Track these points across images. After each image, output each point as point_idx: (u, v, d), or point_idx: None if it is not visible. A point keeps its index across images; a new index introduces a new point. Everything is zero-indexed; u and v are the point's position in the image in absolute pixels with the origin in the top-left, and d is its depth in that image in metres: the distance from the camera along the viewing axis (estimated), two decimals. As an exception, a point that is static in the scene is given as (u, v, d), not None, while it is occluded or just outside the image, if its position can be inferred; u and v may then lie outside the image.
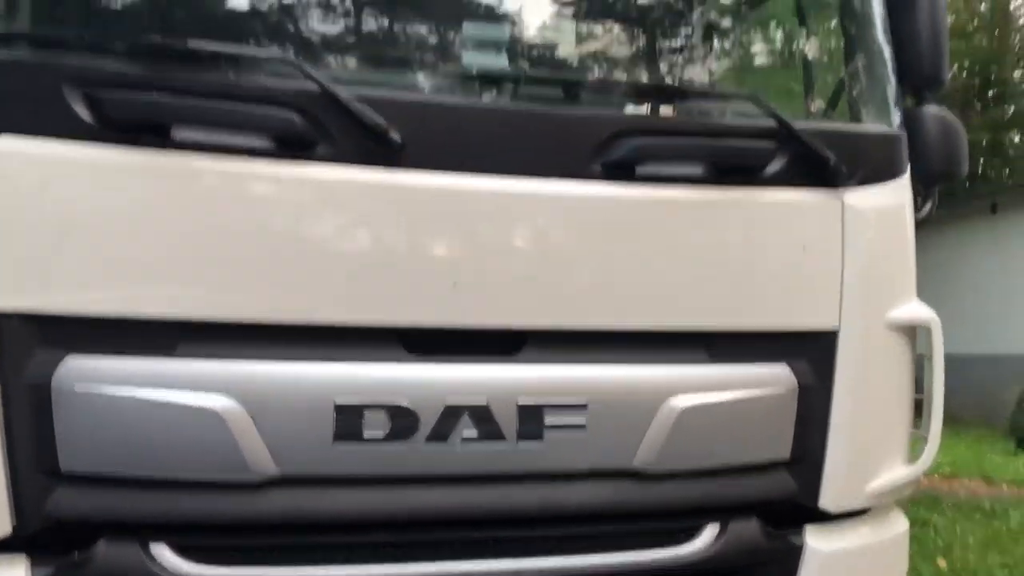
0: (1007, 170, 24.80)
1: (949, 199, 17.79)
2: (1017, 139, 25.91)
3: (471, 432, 1.92)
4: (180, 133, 1.80)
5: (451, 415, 1.90)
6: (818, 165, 2.19)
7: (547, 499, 2.01)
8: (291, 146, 1.86)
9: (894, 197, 2.37)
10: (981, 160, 24.38)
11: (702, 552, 2.14)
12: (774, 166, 2.18)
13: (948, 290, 16.38)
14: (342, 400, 1.85)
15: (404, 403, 1.88)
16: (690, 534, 2.16)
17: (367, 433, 1.86)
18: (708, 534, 2.16)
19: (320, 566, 1.91)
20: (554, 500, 2.02)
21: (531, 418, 1.96)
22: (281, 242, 1.87)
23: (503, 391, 1.95)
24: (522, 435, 1.95)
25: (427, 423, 1.89)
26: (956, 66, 23.40)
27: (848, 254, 2.23)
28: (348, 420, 1.85)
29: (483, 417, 1.93)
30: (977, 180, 22.29)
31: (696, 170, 2.13)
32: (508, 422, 1.94)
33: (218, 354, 1.83)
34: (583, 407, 2.00)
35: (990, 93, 25.48)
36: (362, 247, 1.94)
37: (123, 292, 1.79)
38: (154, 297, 1.81)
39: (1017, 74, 25.55)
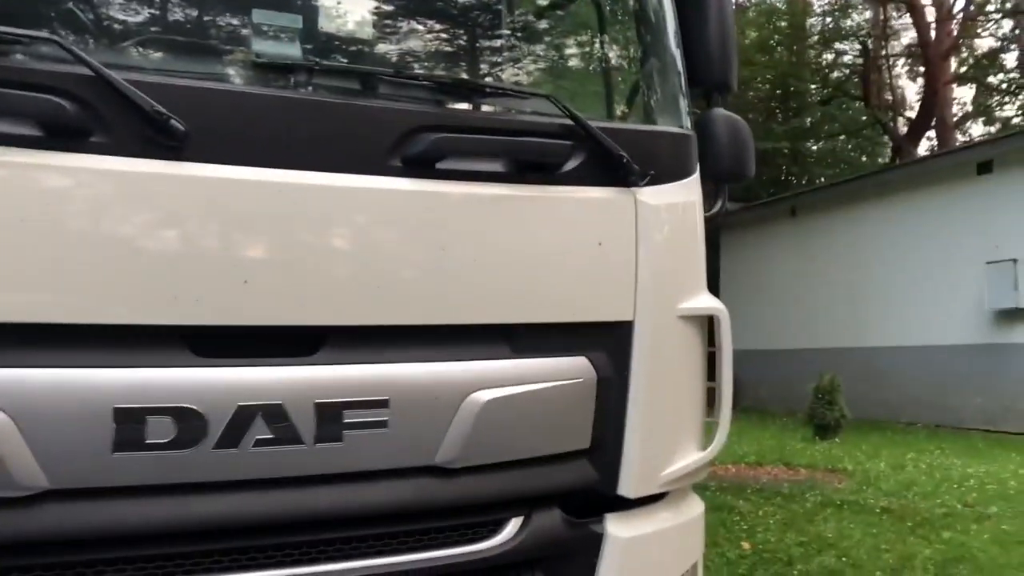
0: (805, 176, 26.70)
1: (752, 203, 18.96)
2: (814, 147, 27.97)
3: (264, 435, 1.84)
4: None
5: (242, 418, 1.82)
6: (612, 163, 2.26)
7: (346, 500, 1.96)
8: (61, 135, 1.73)
9: (685, 194, 2.48)
10: (783, 167, 26.13)
11: (506, 545, 2.15)
12: (571, 164, 2.23)
13: (752, 289, 17.46)
14: (121, 406, 1.73)
15: (190, 407, 1.78)
16: (494, 528, 2.17)
17: (150, 440, 1.75)
18: (511, 527, 2.18)
19: (102, 584, 1.79)
20: (354, 501, 1.97)
21: (329, 418, 1.91)
22: (53, 238, 1.73)
23: (299, 392, 1.89)
24: (320, 436, 1.90)
25: (216, 428, 1.80)
26: (759, 79, 24.99)
27: (641, 249, 2.32)
28: (128, 427, 1.73)
29: (277, 419, 1.86)
30: (778, 186, 23.86)
31: (495, 167, 2.15)
32: (305, 423, 1.88)
33: None
34: (384, 405, 1.97)
35: (790, 105, 27.37)
36: (142, 244, 1.82)
37: None
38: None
39: (813, 87, 27.56)
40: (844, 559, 6.23)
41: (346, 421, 1.93)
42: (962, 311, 13.95)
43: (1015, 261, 12.88)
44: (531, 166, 2.19)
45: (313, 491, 1.93)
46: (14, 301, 1.71)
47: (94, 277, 1.76)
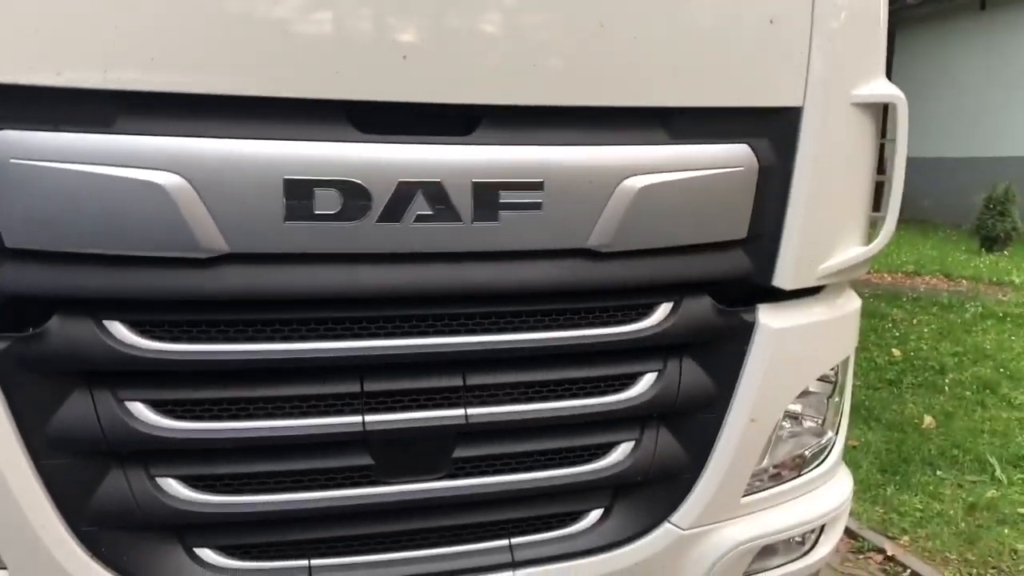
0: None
1: (938, -6, 17.23)
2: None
3: (424, 211, 1.90)
4: None
5: (403, 194, 1.87)
6: (790, -68, 2.07)
7: (501, 277, 2.02)
8: None
9: (868, -35, 2.25)
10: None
11: (655, 328, 2.19)
12: None
13: (926, 92, 16.20)
14: (291, 177, 1.81)
15: (354, 181, 1.84)
16: (644, 312, 2.20)
17: (318, 211, 1.84)
18: (661, 311, 2.20)
19: (272, 343, 1.94)
20: (509, 278, 2.03)
21: (486, 197, 1.93)
22: (220, 11, 1.77)
23: (457, 170, 1.91)
24: (477, 215, 1.93)
25: (379, 202, 1.86)
26: None
27: (816, 26, 2.15)
28: (297, 197, 1.82)
29: (436, 196, 1.90)
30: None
31: None
32: (462, 201, 1.92)
33: (159, 129, 1.77)
34: (539, 187, 1.97)
35: None
36: (305, 19, 1.83)
37: (53, 62, 1.70)
38: (86, 67, 1.72)
39: None
40: (1001, 371, 6.04)
41: (502, 201, 1.95)
42: None
43: None
44: (700, -66, 2.03)
45: (471, 266, 1.99)
46: (189, 74, 1.77)
47: (262, 51, 1.79)
